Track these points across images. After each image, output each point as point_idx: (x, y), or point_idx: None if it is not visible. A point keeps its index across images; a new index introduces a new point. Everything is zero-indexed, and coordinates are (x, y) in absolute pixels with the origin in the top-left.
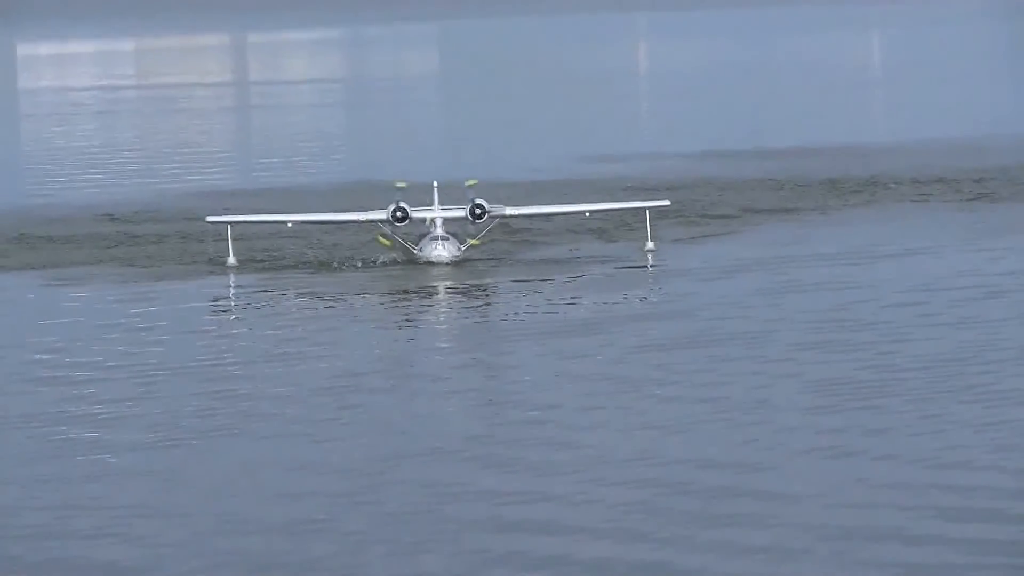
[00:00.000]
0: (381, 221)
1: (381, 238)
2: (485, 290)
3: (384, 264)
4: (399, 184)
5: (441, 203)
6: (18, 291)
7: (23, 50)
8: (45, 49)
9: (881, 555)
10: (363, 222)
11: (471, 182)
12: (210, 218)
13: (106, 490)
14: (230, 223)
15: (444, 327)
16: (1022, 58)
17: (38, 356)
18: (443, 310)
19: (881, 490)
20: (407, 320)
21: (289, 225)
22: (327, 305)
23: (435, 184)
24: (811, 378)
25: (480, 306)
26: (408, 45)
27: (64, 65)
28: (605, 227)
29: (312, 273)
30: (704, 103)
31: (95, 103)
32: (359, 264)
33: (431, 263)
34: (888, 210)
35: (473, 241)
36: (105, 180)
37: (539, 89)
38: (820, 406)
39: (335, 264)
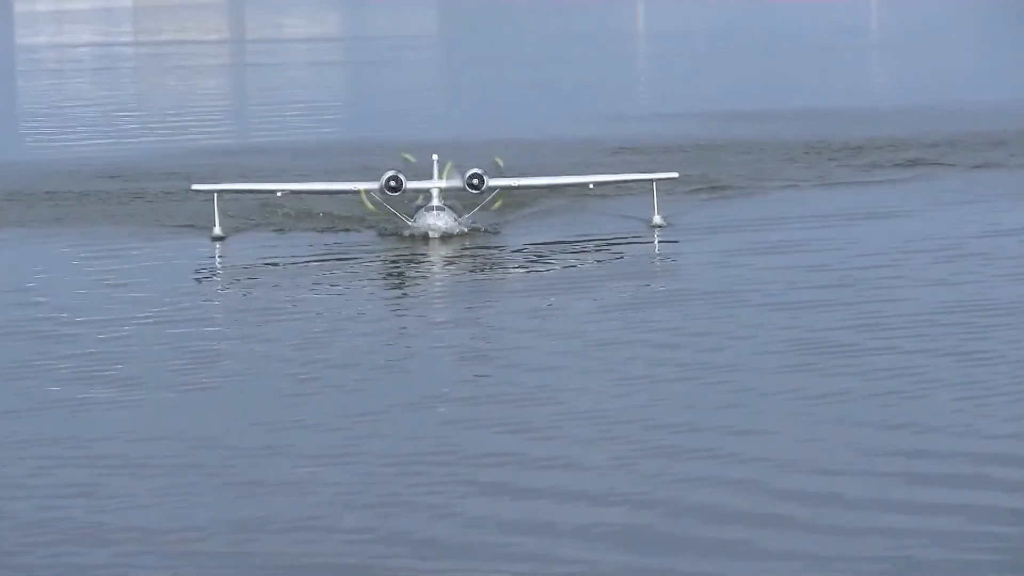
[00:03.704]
0: (374, 191)
1: (363, 195)
2: (479, 256)
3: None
4: (407, 156)
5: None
6: (9, 248)
7: (21, 6)
8: (43, 5)
9: (853, 520)
10: (356, 192)
11: (498, 160)
12: (195, 186)
13: (80, 445)
14: (217, 191)
15: (432, 289)
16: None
17: (21, 310)
18: (434, 274)
19: (852, 452)
20: (398, 282)
21: (279, 194)
22: (320, 267)
23: (435, 157)
24: (803, 339)
25: (473, 271)
26: (407, 4)
27: (62, 22)
28: (611, 194)
29: (307, 234)
30: (701, 65)
31: (93, 60)
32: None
33: (426, 235)
34: (890, 172)
35: (495, 205)
36: (102, 138)
37: (538, 49)
38: (802, 364)
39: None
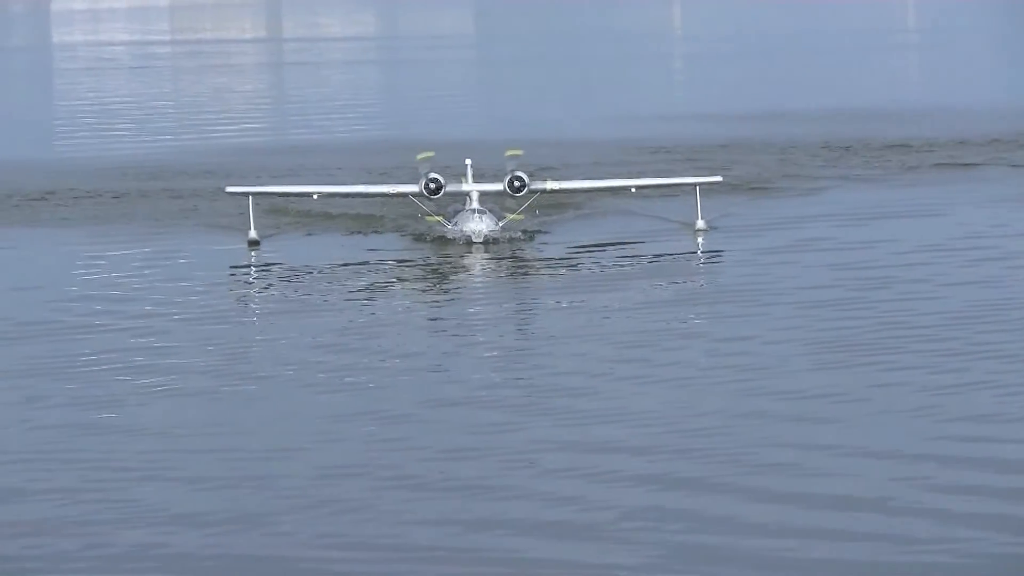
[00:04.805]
0: (413, 194)
1: (428, 217)
2: (519, 259)
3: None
4: (513, 152)
5: (477, 176)
6: (44, 247)
7: (57, 5)
8: (79, 3)
9: (877, 526)
10: (393, 195)
11: (513, 151)
12: (229, 188)
13: (106, 444)
14: (251, 194)
15: (470, 291)
16: None
17: (49, 308)
18: (474, 276)
19: (879, 458)
20: (435, 285)
21: (315, 197)
22: (360, 269)
23: (468, 162)
24: (838, 339)
25: (512, 273)
26: (443, 3)
27: (98, 20)
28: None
29: (344, 235)
30: (736, 65)
31: (129, 58)
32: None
33: (467, 239)
34: (927, 173)
35: (514, 216)
36: (137, 136)
37: (574, 49)
38: (837, 362)
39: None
